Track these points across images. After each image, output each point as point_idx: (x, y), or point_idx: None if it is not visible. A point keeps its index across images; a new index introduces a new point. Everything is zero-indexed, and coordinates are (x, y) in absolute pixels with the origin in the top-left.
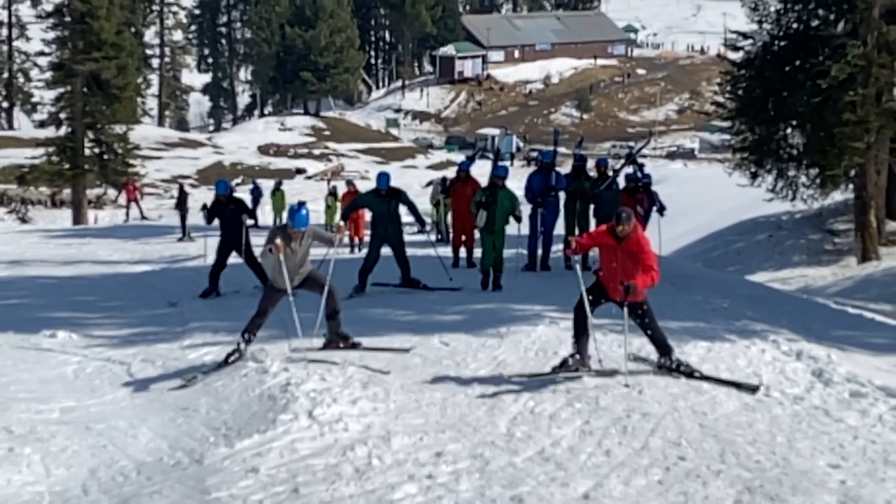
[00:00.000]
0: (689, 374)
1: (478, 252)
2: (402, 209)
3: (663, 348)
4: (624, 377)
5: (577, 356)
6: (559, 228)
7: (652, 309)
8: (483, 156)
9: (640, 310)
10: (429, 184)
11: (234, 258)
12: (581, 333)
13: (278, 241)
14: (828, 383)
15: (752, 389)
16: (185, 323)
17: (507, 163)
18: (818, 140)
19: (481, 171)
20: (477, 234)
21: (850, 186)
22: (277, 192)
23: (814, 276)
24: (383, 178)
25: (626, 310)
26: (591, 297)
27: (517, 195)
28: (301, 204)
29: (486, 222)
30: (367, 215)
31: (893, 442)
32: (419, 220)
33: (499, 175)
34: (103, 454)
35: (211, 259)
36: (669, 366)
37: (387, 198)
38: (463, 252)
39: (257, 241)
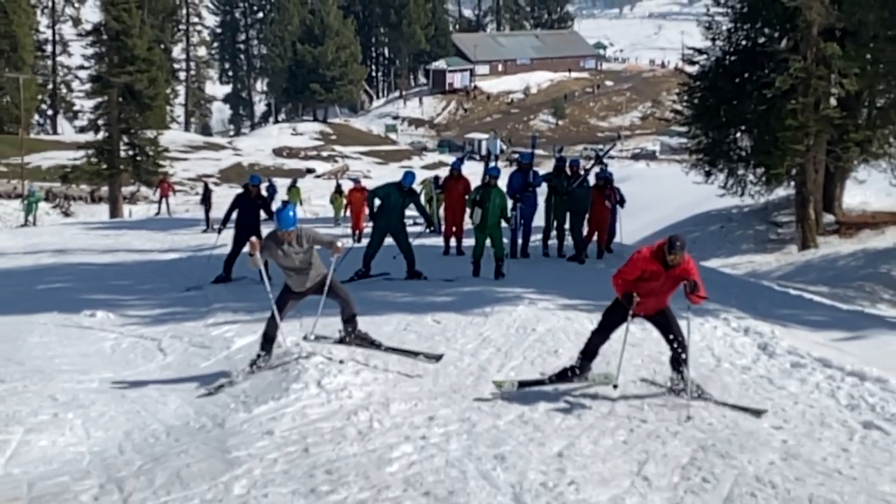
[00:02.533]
0: (700, 396)
1: (469, 241)
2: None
3: (680, 359)
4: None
5: (578, 371)
6: (538, 220)
7: (674, 315)
8: (471, 157)
9: (664, 316)
10: (422, 182)
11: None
12: (591, 357)
13: (253, 239)
14: (772, 355)
15: (758, 413)
16: (209, 304)
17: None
18: (764, 143)
19: (469, 171)
20: (468, 225)
21: (792, 183)
22: (293, 189)
23: (760, 262)
24: (410, 176)
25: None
26: (611, 323)
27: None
28: (285, 204)
29: (480, 220)
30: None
31: (829, 406)
32: (427, 221)
33: (492, 174)
34: (137, 419)
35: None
36: (680, 386)
37: (405, 195)
38: (453, 241)
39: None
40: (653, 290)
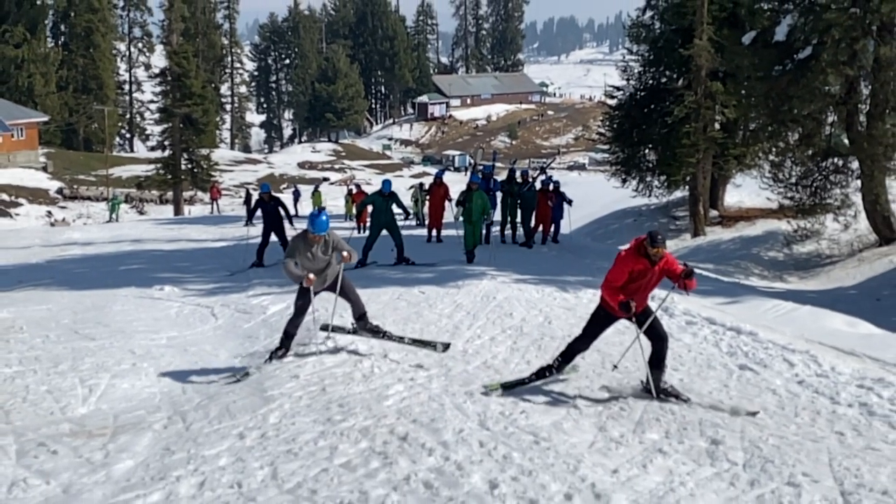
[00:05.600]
0: (676, 396)
1: (451, 231)
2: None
3: (659, 358)
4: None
5: (555, 371)
6: (496, 216)
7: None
8: (447, 169)
9: (648, 317)
10: (411, 187)
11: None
12: (569, 359)
13: (311, 276)
14: (671, 315)
15: (752, 414)
16: (250, 280)
17: (479, 173)
18: (665, 157)
19: (448, 179)
20: (448, 218)
21: (686, 187)
22: (316, 193)
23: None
24: (387, 183)
25: (652, 312)
26: (594, 331)
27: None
28: (321, 210)
29: (462, 216)
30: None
31: (714, 353)
32: (405, 212)
33: (473, 181)
34: (196, 367)
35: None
36: (658, 389)
37: (387, 198)
38: (434, 232)
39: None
40: (640, 287)
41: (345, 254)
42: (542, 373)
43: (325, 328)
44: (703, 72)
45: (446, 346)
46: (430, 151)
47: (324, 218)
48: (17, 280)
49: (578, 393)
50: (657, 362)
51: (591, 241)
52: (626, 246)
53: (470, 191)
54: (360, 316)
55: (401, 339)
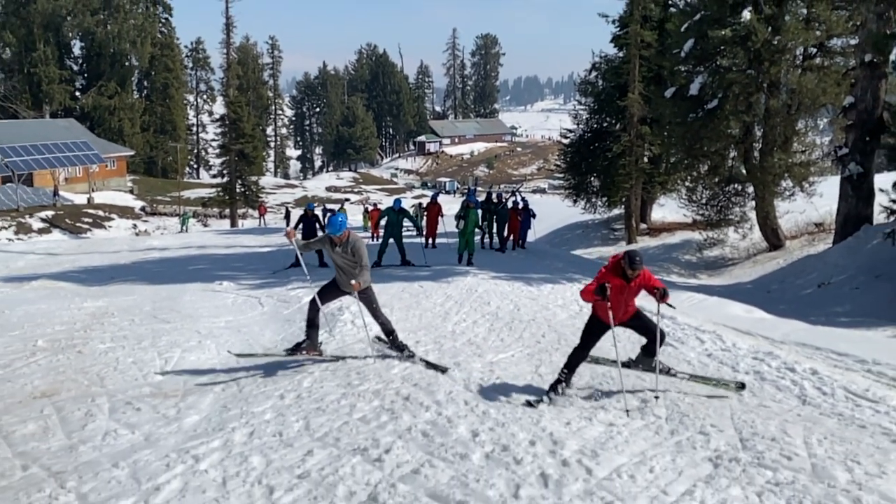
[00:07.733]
0: (667, 371)
1: (443, 240)
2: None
3: (653, 349)
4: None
5: (565, 385)
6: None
7: (646, 316)
8: (440, 192)
9: (639, 319)
10: (412, 206)
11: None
12: (573, 369)
13: (290, 230)
14: None
15: (740, 386)
16: (288, 277)
17: (475, 195)
18: (606, 183)
19: (441, 199)
20: (444, 228)
21: (622, 206)
22: (341, 209)
23: (604, 251)
24: (397, 201)
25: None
26: (590, 340)
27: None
28: (333, 212)
29: (463, 228)
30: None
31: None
32: (416, 227)
33: (470, 200)
34: (246, 344)
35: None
36: (650, 367)
37: (398, 213)
38: (430, 240)
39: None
40: (621, 301)
41: (353, 282)
42: (554, 387)
43: (378, 339)
44: (635, 118)
45: (445, 370)
46: (427, 178)
47: (340, 219)
48: (110, 277)
49: (540, 362)
50: (648, 352)
51: (549, 248)
52: (587, 252)
53: (467, 208)
54: (388, 332)
55: (416, 362)
